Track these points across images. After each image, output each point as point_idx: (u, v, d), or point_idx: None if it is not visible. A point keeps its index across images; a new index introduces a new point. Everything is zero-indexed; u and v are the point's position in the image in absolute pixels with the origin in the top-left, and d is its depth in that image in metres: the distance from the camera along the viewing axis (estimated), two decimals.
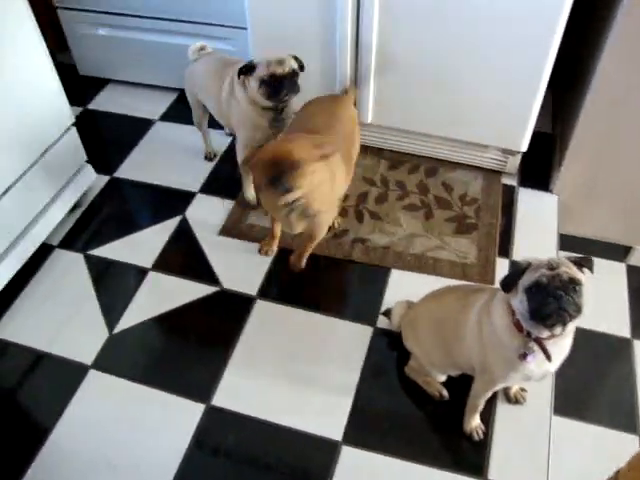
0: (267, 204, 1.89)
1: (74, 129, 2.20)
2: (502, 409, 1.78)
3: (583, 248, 2.39)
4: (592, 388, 2.00)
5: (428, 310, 1.73)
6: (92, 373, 1.85)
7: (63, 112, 2.12)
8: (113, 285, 2.10)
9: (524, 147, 2.27)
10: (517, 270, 1.34)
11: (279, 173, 1.62)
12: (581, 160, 2.20)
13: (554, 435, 1.74)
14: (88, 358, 1.89)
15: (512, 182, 2.43)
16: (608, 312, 2.17)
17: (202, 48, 2.23)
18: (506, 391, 1.79)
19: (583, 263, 1.33)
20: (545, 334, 1.36)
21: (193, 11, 2.53)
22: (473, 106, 2.20)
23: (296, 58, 1.96)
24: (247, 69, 1.94)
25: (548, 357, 1.39)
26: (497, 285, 1.45)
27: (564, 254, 2.24)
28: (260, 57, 1.95)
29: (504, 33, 1.98)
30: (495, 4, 1.92)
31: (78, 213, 2.33)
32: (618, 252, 2.40)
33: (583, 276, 1.31)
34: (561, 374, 1.74)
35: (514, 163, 2.38)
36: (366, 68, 2.19)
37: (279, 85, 1.92)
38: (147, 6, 2.58)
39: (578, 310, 1.28)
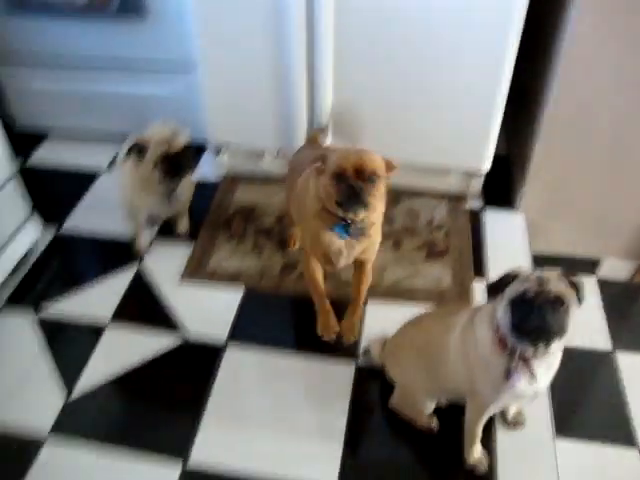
0: (314, 234, 1.68)
1: (15, 182, 2.05)
2: (502, 435, 1.69)
3: (551, 265, 2.36)
4: (583, 405, 1.93)
5: (408, 338, 1.67)
6: (49, 444, 1.66)
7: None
8: (67, 346, 1.92)
9: (486, 168, 2.25)
10: (505, 277, 1.34)
11: (359, 185, 1.48)
12: (543, 178, 2.20)
13: (559, 457, 1.66)
14: (44, 428, 1.69)
15: (476, 205, 2.41)
16: (586, 327, 2.13)
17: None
18: (504, 417, 1.71)
19: (576, 285, 1.31)
20: (529, 351, 1.33)
21: (126, 58, 2.45)
22: (433, 131, 2.17)
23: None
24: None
25: (532, 375, 1.36)
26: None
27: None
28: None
29: (457, 56, 1.98)
30: (445, 33, 1.93)
31: (23, 271, 2.15)
32: (587, 266, 2.38)
33: (573, 294, 1.29)
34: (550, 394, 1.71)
35: (477, 186, 2.36)
36: (322, 108, 2.14)
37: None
38: (80, 56, 2.49)
39: (561, 329, 1.28)
